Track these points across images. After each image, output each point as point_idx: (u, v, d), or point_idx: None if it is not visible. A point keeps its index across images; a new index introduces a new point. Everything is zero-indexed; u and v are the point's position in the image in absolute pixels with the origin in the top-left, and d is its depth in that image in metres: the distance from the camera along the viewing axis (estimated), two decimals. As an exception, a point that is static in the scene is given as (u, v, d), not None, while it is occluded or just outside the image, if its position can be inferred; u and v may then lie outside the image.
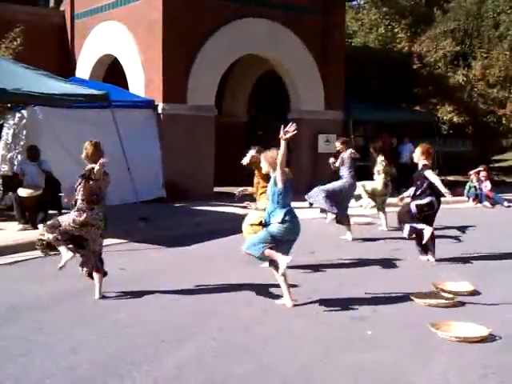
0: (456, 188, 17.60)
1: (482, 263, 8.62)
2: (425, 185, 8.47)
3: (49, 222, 6.65)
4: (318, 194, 10.13)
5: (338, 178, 10.40)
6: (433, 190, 8.47)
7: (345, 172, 10.27)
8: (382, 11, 23.95)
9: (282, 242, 6.25)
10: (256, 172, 7.81)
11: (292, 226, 6.23)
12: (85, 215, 6.34)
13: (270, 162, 6.27)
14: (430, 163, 8.67)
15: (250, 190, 8.08)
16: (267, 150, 6.47)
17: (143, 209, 11.34)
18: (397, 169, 13.56)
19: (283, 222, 6.17)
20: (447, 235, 10.73)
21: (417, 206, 8.48)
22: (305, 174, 16.49)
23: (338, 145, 10.63)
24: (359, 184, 11.18)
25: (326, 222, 11.44)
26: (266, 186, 6.77)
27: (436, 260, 8.53)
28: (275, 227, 6.20)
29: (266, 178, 6.92)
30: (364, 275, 7.82)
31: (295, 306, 6.23)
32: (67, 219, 6.41)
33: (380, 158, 11.55)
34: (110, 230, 7.33)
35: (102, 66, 17.47)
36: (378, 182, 11.58)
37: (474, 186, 16.56)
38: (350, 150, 10.35)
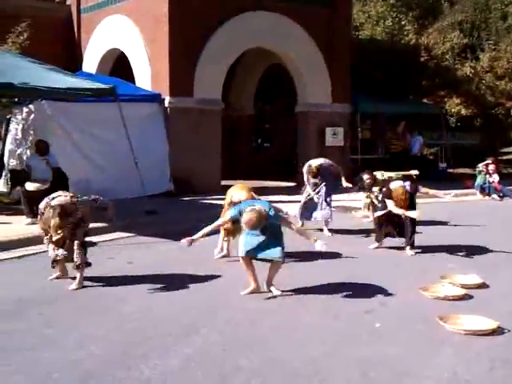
0: (464, 180, 17.59)
1: (491, 256, 8.58)
2: None
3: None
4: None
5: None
6: None
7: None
8: (389, 3, 23.81)
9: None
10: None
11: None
12: None
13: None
14: None
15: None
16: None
17: (150, 202, 11.34)
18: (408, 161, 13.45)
19: None
20: (455, 228, 10.70)
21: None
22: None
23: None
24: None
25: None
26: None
27: (443, 252, 8.50)
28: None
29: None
30: (370, 268, 7.79)
31: (302, 299, 6.23)
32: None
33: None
34: (117, 224, 7.34)
35: (109, 60, 17.48)
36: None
37: (483, 176, 16.26)
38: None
